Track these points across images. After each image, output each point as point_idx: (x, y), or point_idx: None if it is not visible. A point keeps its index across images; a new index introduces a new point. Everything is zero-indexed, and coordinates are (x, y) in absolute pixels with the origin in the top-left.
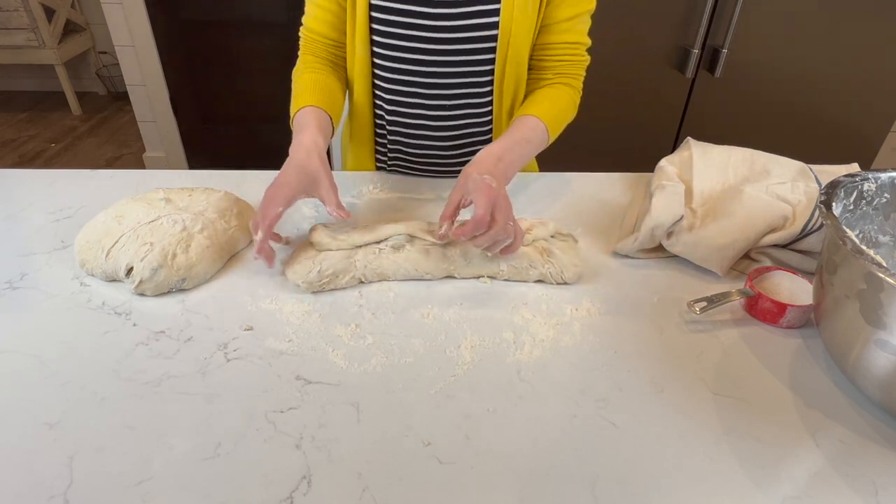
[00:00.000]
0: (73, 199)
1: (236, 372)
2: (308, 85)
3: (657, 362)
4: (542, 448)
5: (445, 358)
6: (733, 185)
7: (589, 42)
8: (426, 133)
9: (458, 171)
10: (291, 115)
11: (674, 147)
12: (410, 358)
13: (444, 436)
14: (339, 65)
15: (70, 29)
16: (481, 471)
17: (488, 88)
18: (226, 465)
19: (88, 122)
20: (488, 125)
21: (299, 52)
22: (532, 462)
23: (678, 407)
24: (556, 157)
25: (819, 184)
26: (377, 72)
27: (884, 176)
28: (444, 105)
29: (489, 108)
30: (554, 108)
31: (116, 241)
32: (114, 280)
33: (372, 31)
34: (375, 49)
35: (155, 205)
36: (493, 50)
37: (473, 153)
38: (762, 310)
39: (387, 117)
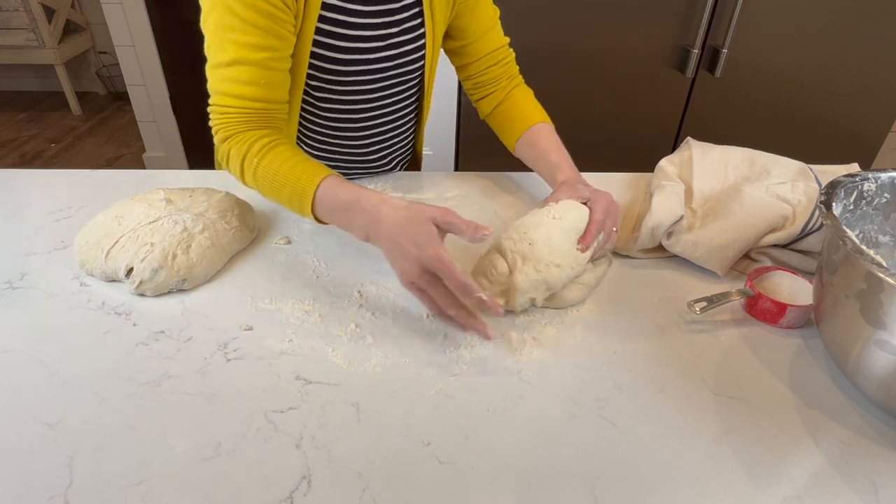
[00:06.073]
0: (73, 199)
1: (236, 372)
2: (299, 158)
3: (657, 362)
4: (542, 448)
5: (445, 358)
6: (733, 185)
7: (507, 39)
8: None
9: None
10: (306, 205)
11: (674, 147)
12: (410, 358)
13: (444, 436)
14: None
15: (70, 29)
16: (481, 471)
17: (415, 98)
18: (226, 465)
19: (88, 122)
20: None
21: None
22: (532, 462)
23: (678, 407)
24: None
25: (819, 184)
26: (311, 90)
27: (884, 176)
28: (375, 114)
29: (414, 110)
30: (536, 105)
31: (116, 242)
32: (114, 280)
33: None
34: (311, 72)
35: (155, 205)
36: (422, 57)
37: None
38: (762, 310)
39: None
